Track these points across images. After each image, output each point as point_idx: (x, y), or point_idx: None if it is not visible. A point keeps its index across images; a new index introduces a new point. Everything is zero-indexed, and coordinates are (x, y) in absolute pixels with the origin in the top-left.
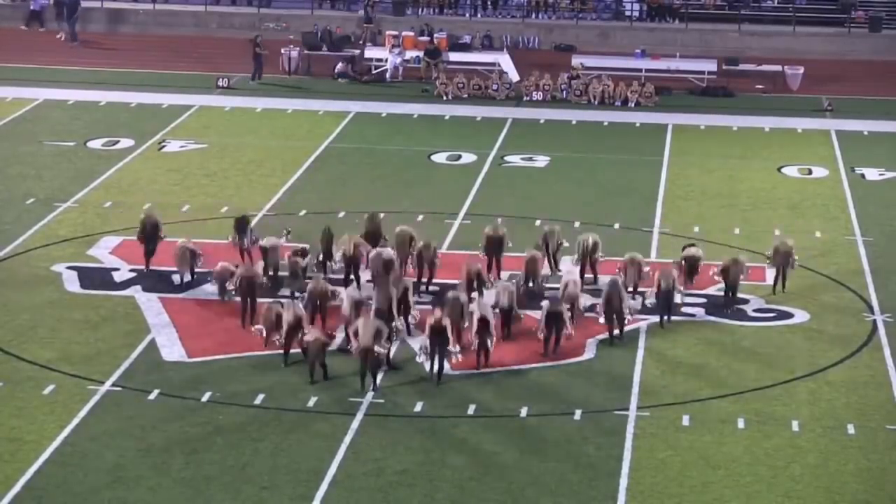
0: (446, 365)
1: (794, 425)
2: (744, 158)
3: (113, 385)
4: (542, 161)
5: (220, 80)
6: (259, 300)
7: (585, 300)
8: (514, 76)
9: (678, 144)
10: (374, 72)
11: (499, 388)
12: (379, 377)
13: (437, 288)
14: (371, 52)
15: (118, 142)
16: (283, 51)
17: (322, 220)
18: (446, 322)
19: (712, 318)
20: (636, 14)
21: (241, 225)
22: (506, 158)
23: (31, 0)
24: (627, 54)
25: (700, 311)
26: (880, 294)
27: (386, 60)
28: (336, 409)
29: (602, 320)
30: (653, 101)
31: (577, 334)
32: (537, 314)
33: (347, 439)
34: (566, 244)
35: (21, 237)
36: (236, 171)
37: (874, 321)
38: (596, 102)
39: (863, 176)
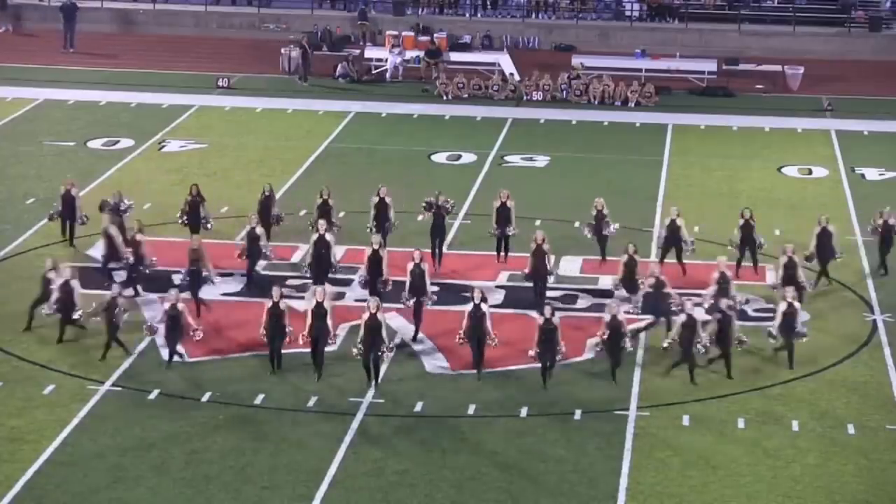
0: (441, 364)
1: (794, 425)
2: (744, 158)
3: (113, 385)
4: (542, 161)
5: (220, 80)
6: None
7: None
8: (516, 76)
9: (678, 144)
10: (374, 72)
11: (499, 388)
12: (382, 371)
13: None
14: (371, 52)
15: (118, 142)
16: (283, 51)
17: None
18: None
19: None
20: (636, 14)
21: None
22: (506, 158)
23: None
24: (627, 54)
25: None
26: (880, 294)
27: (386, 60)
28: (336, 409)
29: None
30: (653, 101)
31: (576, 334)
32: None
33: (347, 439)
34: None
35: (21, 237)
36: (236, 170)
37: (874, 321)
38: (596, 102)
39: (863, 176)
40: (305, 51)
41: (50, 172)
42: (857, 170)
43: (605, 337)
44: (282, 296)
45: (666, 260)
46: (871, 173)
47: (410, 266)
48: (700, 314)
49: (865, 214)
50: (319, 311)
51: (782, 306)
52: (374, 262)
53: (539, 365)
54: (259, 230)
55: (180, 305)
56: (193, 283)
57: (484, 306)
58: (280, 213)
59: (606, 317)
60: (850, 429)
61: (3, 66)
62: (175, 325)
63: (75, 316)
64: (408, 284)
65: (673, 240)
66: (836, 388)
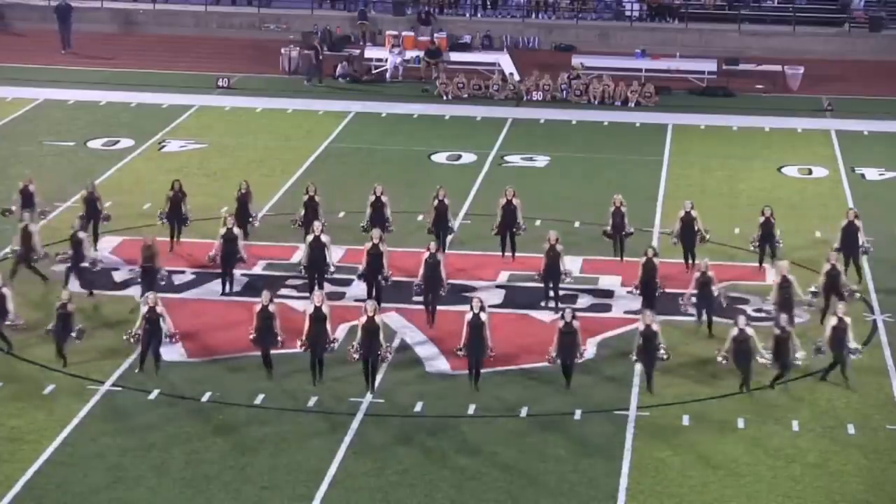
0: (440, 364)
1: (794, 425)
2: (744, 158)
3: (113, 385)
4: (542, 161)
5: (220, 80)
6: None
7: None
8: (516, 76)
9: (678, 144)
10: (374, 72)
11: (499, 388)
12: (379, 375)
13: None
14: (371, 52)
15: (118, 142)
16: (283, 51)
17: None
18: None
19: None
20: (636, 14)
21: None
22: (506, 158)
23: None
24: (627, 54)
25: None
26: (880, 294)
27: (386, 60)
28: (336, 409)
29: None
30: (653, 101)
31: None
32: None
33: (347, 439)
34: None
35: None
36: (236, 171)
37: (874, 321)
38: (596, 102)
39: (863, 176)
40: (318, 51)
41: (50, 172)
42: (857, 170)
43: (640, 345)
44: (271, 300)
45: (666, 259)
46: (871, 173)
47: (426, 255)
48: (743, 322)
49: (866, 214)
50: (318, 315)
51: (832, 321)
52: (374, 256)
53: (548, 368)
54: (236, 231)
55: (159, 308)
56: (146, 280)
57: (483, 315)
58: (255, 214)
59: (640, 326)
60: (850, 429)
61: (2, 67)
62: (153, 330)
63: (7, 322)
64: (421, 274)
65: (687, 233)
66: (836, 388)
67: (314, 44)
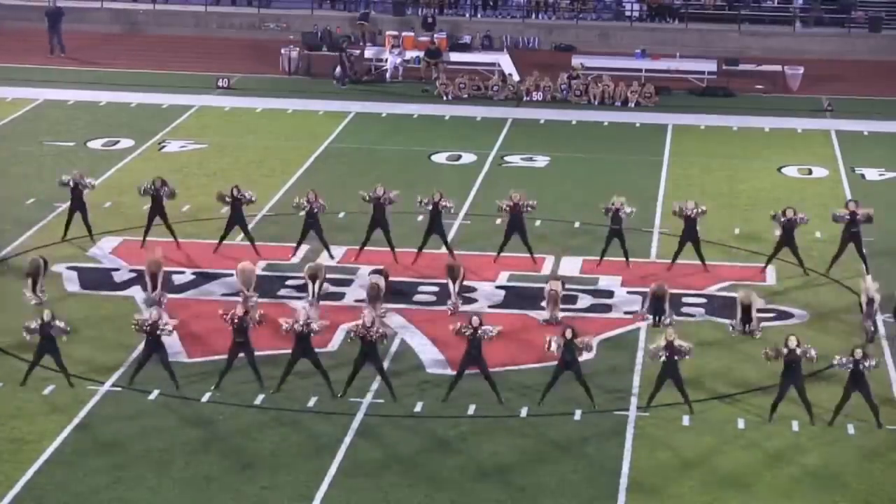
0: (441, 364)
1: (794, 425)
2: (744, 158)
3: (113, 385)
4: (542, 161)
5: (220, 80)
6: None
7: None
8: (515, 77)
9: (678, 144)
10: (374, 72)
11: (499, 388)
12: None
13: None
14: (371, 52)
15: (118, 142)
16: (283, 51)
17: (322, 219)
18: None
19: (712, 318)
20: (636, 14)
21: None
22: (506, 158)
23: None
24: (627, 54)
25: (700, 311)
26: (880, 294)
27: (386, 60)
28: (336, 409)
29: None
30: (653, 101)
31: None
32: None
33: (347, 439)
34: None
35: (21, 237)
36: (236, 171)
37: (874, 321)
38: (596, 102)
39: (863, 176)
40: (343, 53)
41: (50, 172)
42: (857, 170)
43: (665, 358)
44: (247, 311)
45: (678, 260)
46: (871, 173)
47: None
48: (793, 343)
49: None
50: (305, 331)
51: None
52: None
53: (548, 368)
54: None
55: (168, 327)
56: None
57: (481, 330)
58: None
59: (662, 342)
60: (850, 429)
61: (2, 67)
62: (158, 345)
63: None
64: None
65: (689, 234)
66: (836, 388)
67: (342, 46)
